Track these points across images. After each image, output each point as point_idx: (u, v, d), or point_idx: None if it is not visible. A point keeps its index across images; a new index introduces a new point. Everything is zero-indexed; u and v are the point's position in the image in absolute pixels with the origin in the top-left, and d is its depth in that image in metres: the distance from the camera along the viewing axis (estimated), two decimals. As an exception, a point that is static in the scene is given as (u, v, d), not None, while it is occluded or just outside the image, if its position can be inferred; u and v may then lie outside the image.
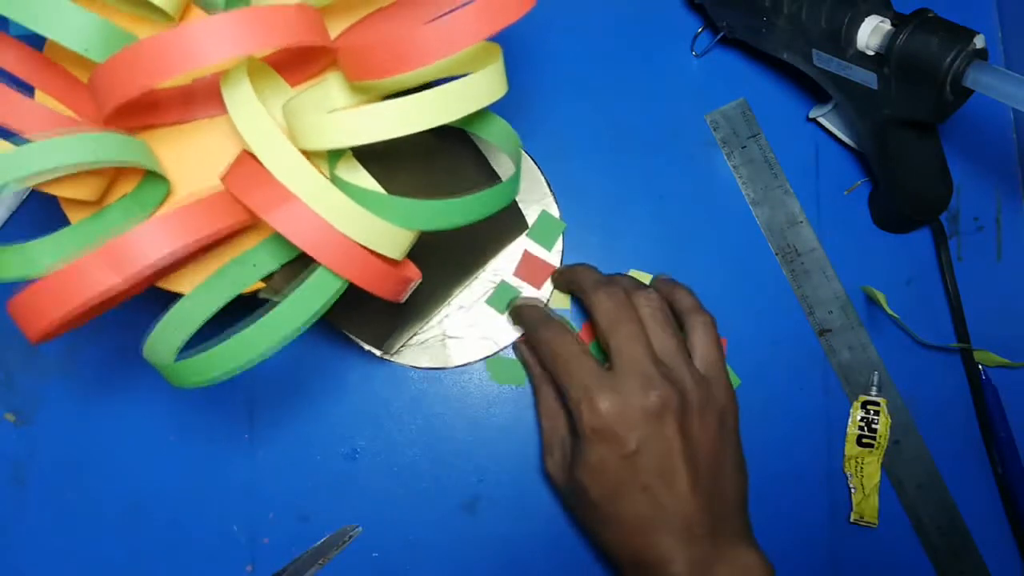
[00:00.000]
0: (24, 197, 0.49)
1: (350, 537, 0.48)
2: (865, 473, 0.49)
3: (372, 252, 0.30)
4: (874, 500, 0.49)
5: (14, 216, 0.49)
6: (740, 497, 0.43)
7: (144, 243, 0.27)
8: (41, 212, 0.50)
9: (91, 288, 0.27)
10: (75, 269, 0.27)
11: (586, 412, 0.41)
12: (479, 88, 0.30)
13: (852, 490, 0.50)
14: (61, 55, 0.34)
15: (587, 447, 0.41)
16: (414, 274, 0.34)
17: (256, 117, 0.29)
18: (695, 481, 0.41)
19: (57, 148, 0.28)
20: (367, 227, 0.30)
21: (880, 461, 0.49)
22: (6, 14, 0.27)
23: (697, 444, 0.41)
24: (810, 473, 0.50)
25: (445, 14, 0.29)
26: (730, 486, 0.43)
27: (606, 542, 0.43)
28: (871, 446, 0.49)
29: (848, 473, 0.50)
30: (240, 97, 0.29)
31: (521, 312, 0.48)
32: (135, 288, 0.33)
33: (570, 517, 0.49)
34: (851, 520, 0.50)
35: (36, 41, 0.33)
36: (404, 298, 0.33)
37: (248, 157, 0.30)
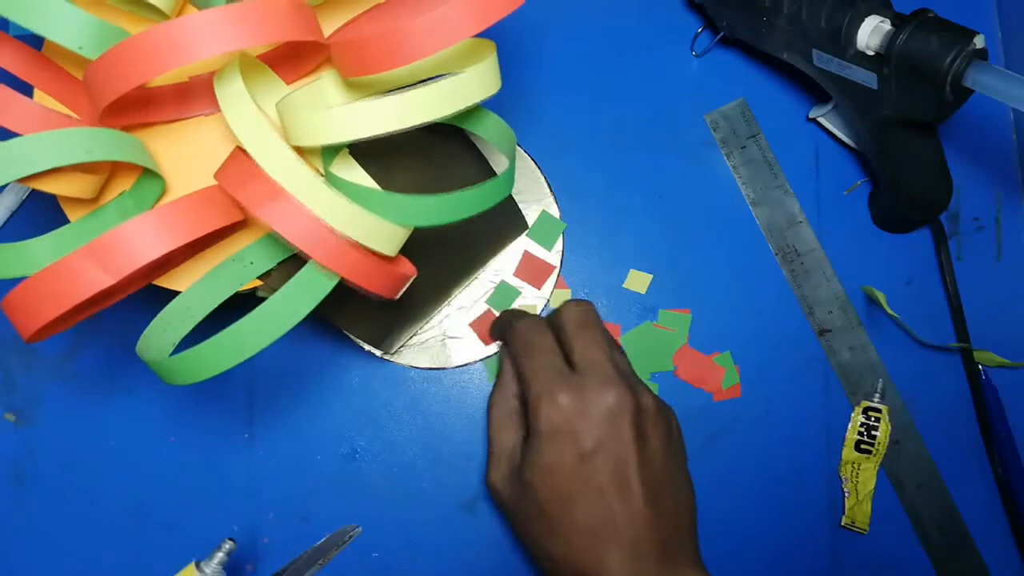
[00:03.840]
0: (24, 197, 0.49)
1: (350, 537, 0.48)
2: (860, 479, 0.49)
3: (364, 248, 0.30)
4: (867, 506, 0.49)
5: (14, 216, 0.50)
6: (691, 518, 0.42)
7: (133, 238, 0.27)
8: (41, 212, 0.50)
9: (81, 283, 0.27)
10: (64, 266, 0.27)
11: (545, 406, 0.40)
12: (472, 84, 0.30)
13: (846, 494, 0.50)
14: (60, 54, 0.34)
15: (542, 444, 0.40)
16: (409, 271, 0.34)
17: (248, 113, 0.29)
18: (647, 493, 0.40)
19: (51, 143, 0.28)
20: (358, 222, 0.30)
21: (876, 468, 0.49)
22: (3, 13, 0.27)
23: (651, 453, 0.41)
24: (810, 473, 0.50)
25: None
26: (682, 504, 0.42)
27: (548, 556, 0.41)
28: (869, 452, 0.49)
29: (844, 477, 0.50)
30: (232, 93, 0.29)
31: (504, 314, 0.48)
32: (130, 285, 0.33)
33: (512, 537, 0.49)
34: (842, 524, 0.50)
35: (36, 42, 0.33)
36: (399, 295, 0.33)
37: (241, 153, 0.30)
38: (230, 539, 0.41)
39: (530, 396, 0.41)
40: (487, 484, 0.45)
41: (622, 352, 0.45)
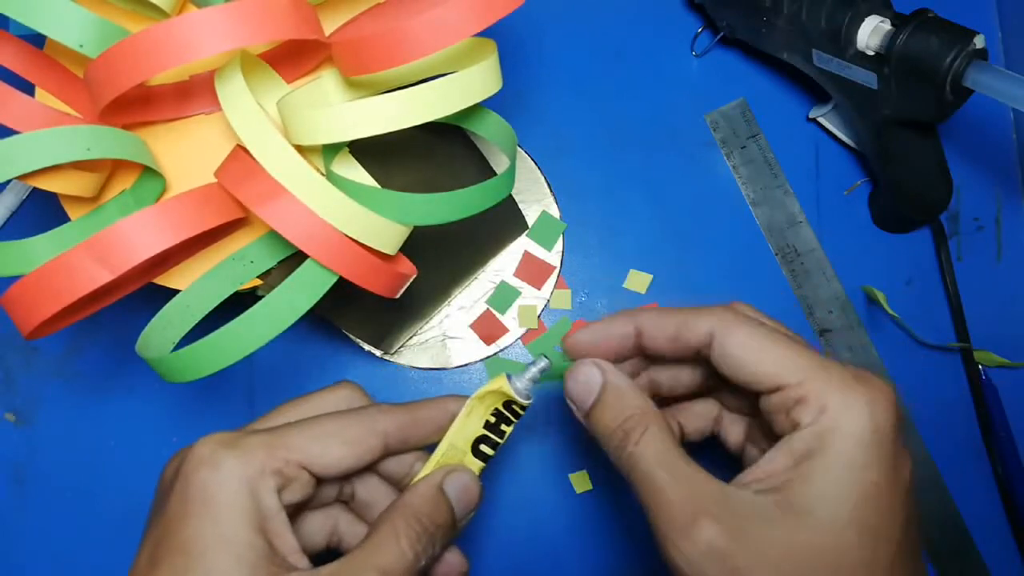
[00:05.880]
0: (24, 197, 0.49)
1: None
2: None
3: (364, 246, 0.30)
4: None
5: (15, 215, 0.50)
6: None
7: (132, 234, 0.27)
8: (42, 212, 0.50)
9: (80, 279, 0.27)
10: (64, 261, 0.27)
11: None
12: (473, 83, 0.30)
13: None
14: (61, 53, 0.34)
15: None
16: (408, 270, 0.34)
17: (248, 111, 0.29)
18: None
19: (51, 140, 0.28)
20: (358, 221, 0.30)
21: None
22: (4, 11, 0.27)
23: None
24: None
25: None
26: None
27: None
28: None
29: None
30: (233, 91, 0.29)
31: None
32: (130, 282, 0.33)
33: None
34: None
35: (37, 40, 0.33)
36: (399, 294, 0.33)
37: (241, 152, 0.30)
38: (546, 357, 0.36)
39: None
40: None
41: None
